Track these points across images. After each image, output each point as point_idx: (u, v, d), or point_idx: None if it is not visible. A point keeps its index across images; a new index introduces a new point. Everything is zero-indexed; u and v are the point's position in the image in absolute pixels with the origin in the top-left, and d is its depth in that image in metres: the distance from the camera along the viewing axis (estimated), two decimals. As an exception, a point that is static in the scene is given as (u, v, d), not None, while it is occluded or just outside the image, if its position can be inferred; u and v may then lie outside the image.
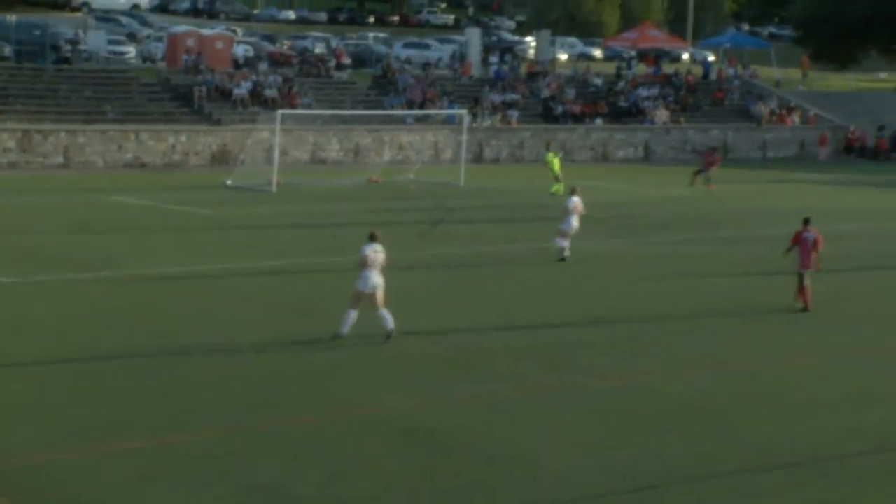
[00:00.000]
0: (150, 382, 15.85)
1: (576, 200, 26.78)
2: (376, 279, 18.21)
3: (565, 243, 26.44)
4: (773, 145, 59.98)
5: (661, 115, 57.66)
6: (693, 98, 60.91)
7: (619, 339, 19.25)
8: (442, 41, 73.00)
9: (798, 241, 21.76)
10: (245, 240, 28.17)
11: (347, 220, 30.88)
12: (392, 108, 51.01)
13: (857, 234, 32.51)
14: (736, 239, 30.75)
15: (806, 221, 21.97)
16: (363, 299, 18.24)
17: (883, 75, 78.54)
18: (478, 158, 49.99)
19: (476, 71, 59.17)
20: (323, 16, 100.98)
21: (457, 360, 17.58)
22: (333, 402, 15.22)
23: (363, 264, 18.27)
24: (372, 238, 18.45)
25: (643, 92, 59.70)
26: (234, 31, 65.61)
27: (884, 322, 21.40)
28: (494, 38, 79.78)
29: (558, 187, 38.09)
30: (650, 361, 17.92)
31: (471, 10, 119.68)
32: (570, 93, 57.54)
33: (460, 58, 62.52)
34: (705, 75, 65.04)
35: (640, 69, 65.34)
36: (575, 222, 26.43)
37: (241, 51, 56.48)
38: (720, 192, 41.81)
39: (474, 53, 60.99)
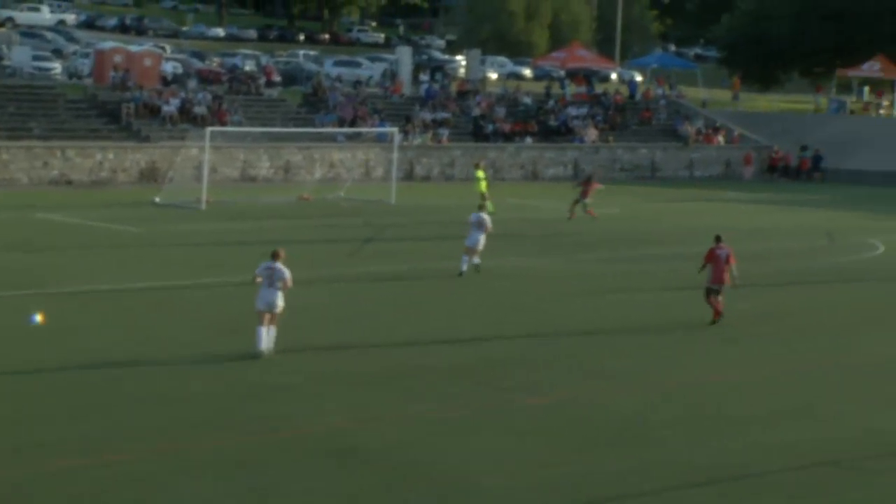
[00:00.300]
0: (78, 402, 15.62)
1: (482, 217, 26.98)
2: (271, 297, 18.21)
3: (467, 258, 26.61)
4: (699, 164, 60.77)
5: (591, 134, 58.17)
6: (621, 118, 61.55)
7: (551, 356, 19.34)
8: (373, 59, 73.04)
9: (711, 258, 22.20)
10: (174, 258, 27.90)
11: (278, 238, 30.70)
12: (323, 125, 50.88)
13: (782, 252, 33.04)
14: (663, 256, 31.07)
15: (717, 239, 22.37)
16: (264, 316, 18.26)
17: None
18: (409, 176, 50.01)
19: (407, 89, 59.28)
20: (253, 33, 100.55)
21: (391, 378, 17.55)
22: (265, 422, 15.10)
23: (257, 282, 18.32)
24: (274, 256, 18.50)
25: (573, 111, 60.20)
26: (162, 48, 65.11)
27: (809, 338, 21.73)
28: (425, 57, 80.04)
29: (489, 204, 38.21)
30: (582, 379, 18.03)
31: (401, 29, 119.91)
32: (501, 111, 57.85)
33: (391, 76, 62.61)
34: (631, 95, 65.82)
35: (572, 88, 65.95)
36: (481, 238, 26.61)
37: (169, 68, 56.03)
38: (650, 210, 42.22)
39: (405, 72, 61.12)
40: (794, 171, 61.62)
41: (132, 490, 12.53)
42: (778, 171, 61.56)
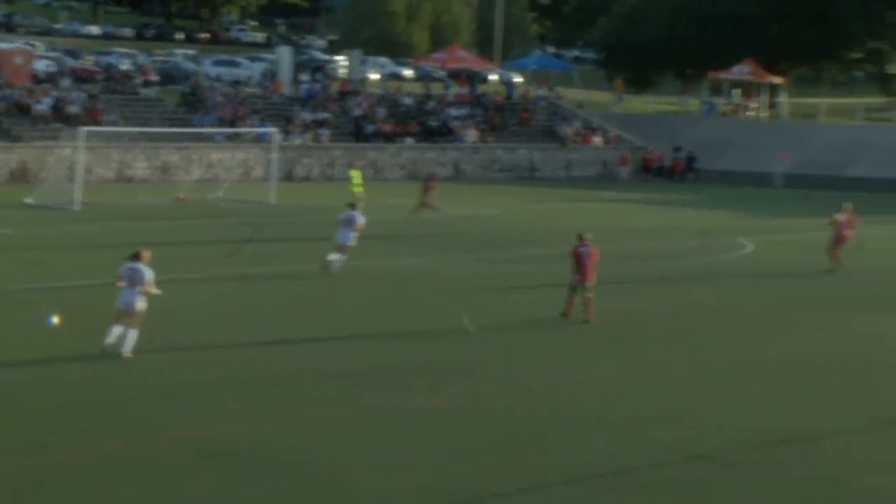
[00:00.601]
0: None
1: (353, 215, 27.15)
2: (130, 298, 18.06)
3: (336, 256, 26.73)
4: (577, 165, 61.64)
5: (471, 134, 58.60)
6: (501, 118, 62.12)
7: (436, 357, 19.46)
8: (252, 59, 72.45)
9: (575, 256, 22.64)
10: (45, 259, 27.33)
11: (154, 239, 30.27)
12: (201, 125, 50.30)
13: (656, 252, 33.72)
14: (541, 256, 31.46)
15: (580, 237, 22.88)
16: (122, 316, 18.08)
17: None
18: (289, 177, 49.73)
19: (287, 89, 58.94)
20: (129, 31, 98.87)
21: (275, 380, 17.47)
22: (150, 426, 14.91)
23: (119, 283, 18.20)
24: (136, 257, 18.34)
25: (453, 112, 60.55)
26: (34, 46, 63.61)
27: (681, 338, 22.17)
28: (305, 57, 79.65)
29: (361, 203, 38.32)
30: (460, 379, 18.17)
31: (282, 29, 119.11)
32: (382, 112, 57.90)
33: (271, 76, 62.17)
34: (509, 96, 66.51)
35: (455, 89, 66.37)
36: (351, 236, 26.79)
37: (42, 66, 54.81)
38: (528, 210, 42.68)
39: (285, 72, 60.77)
40: (669, 172, 62.93)
41: (7, 500, 12.29)
42: (653, 172, 62.81)
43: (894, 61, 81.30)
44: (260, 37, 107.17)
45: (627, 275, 28.35)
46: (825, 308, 25.17)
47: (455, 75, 71.16)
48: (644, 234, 37.84)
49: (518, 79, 76.13)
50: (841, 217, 30.69)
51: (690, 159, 63.52)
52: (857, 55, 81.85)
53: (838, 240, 30.46)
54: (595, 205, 47.56)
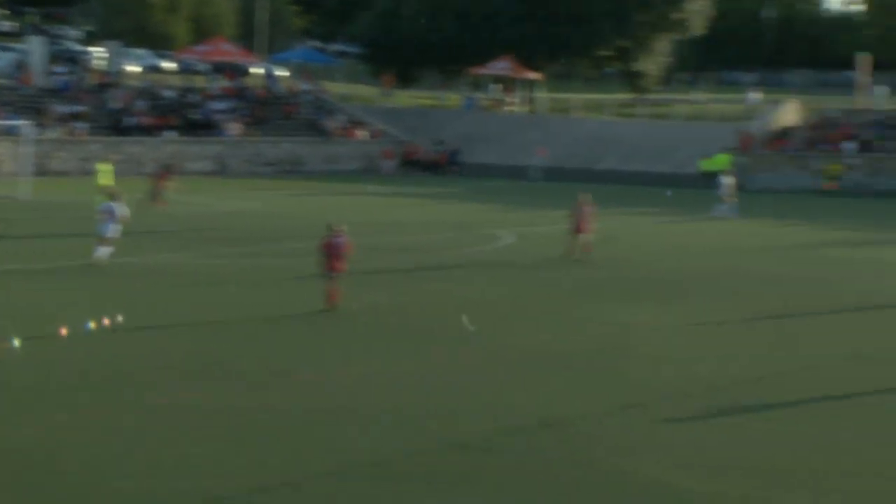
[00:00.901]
0: None
1: (112, 206, 26.74)
2: None
3: (103, 249, 26.33)
4: (342, 159, 61.94)
5: (234, 128, 57.99)
6: (265, 112, 61.74)
7: (178, 354, 19.20)
8: (3, 49, 69.42)
9: (327, 247, 22.94)
10: None
11: None
12: (-54, 118, 47.99)
13: (420, 245, 34.26)
14: (304, 250, 31.47)
15: (331, 227, 23.21)
16: None
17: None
18: (43, 171, 48.00)
19: (39, 81, 56.82)
20: None
21: (34, 384, 16.92)
22: None
23: None
24: None
25: (216, 105, 59.77)
26: None
27: (438, 332, 22.56)
28: (60, 48, 76.86)
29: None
30: (222, 377, 18.02)
31: (34, 18, 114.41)
32: (142, 105, 56.62)
33: (22, 67, 59.76)
34: (271, 88, 66.16)
35: (221, 82, 65.49)
36: (113, 228, 26.44)
37: None
38: (293, 204, 42.59)
39: (37, 63, 58.54)
40: (432, 165, 64.02)
41: None
42: (416, 166, 63.77)
43: (640, 59, 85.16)
44: (9, 26, 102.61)
45: (389, 267, 28.72)
46: (579, 298, 26.13)
47: (220, 69, 70.21)
48: (406, 226, 38.37)
49: (282, 72, 75.76)
50: (580, 208, 31.93)
51: (453, 153, 64.79)
52: (607, 53, 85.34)
53: (579, 230, 31.74)
54: (359, 198, 47.90)
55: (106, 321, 20.46)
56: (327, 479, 13.43)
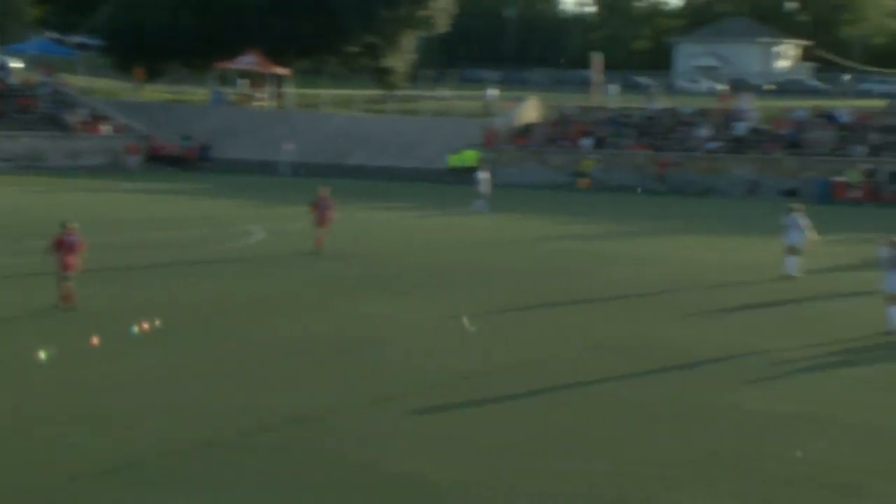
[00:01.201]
0: None
1: None
2: None
3: None
4: (85, 154, 59.98)
5: (-35, 122, 55.24)
6: (0, 105, 59.09)
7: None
8: None
9: (59, 244, 22.36)
10: None
11: None
12: None
13: (164, 243, 33.56)
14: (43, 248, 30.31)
15: (64, 225, 22.67)
16: None
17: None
18: None
19: None
20: None
21: None
22: None
23: None
24: None
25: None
26: None
27: (188, 330, 22.22)
28: None
29: None
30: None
31: None
32: None
33: None
34: (5, 80, 63.46)
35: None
36: None
37: None
38: (33, 202, 40.91)
39: None
40: (181, 161, 62.79)
41: None
42: (163, 161, 62.41)
43: (388, 56, 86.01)
44: None
45: (135, 265, 28.04)
46: (333, 292, 26.20)
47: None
48: (156, 223, 37.51)
49: (17, 64, 72.56)
50: (321, 202, 32.18)
51: (204, 148, 63.77)
52: (354, 49, 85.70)
53: (320, 222, 31.98)
54: (105, 195, 46.49)
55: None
56: (70, 485, 13.04)
